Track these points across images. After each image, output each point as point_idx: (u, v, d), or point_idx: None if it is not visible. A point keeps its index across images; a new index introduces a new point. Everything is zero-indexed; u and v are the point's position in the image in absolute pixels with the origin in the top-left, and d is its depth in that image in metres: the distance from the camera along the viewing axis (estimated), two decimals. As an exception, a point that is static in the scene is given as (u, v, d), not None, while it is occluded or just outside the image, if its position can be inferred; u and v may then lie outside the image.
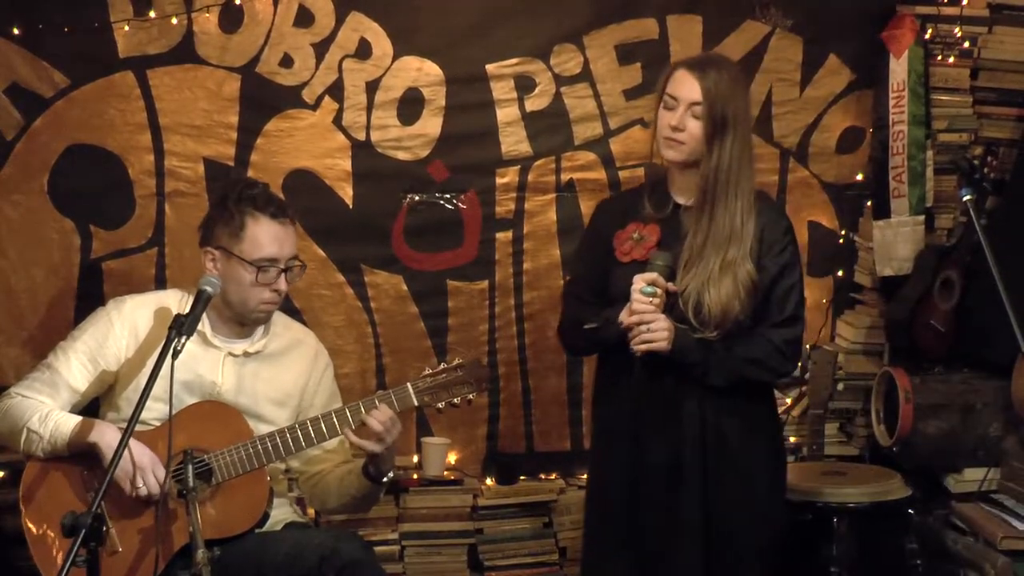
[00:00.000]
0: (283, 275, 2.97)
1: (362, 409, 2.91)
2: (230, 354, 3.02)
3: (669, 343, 2.82)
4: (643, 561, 2.95)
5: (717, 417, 2.91)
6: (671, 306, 2.87)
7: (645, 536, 2.94)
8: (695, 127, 2.84)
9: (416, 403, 2.94)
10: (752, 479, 2.96)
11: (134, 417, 2.55)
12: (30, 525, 2.85)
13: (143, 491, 2.81)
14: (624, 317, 2.85)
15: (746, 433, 2.95)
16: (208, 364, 3.00)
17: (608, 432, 3.05)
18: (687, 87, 2.85)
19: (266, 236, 2.95)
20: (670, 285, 2.85)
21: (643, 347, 2.82)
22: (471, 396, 2.97)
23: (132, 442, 2.75)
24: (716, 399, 2.90)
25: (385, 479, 3.02)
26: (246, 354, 3.04)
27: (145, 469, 2.81)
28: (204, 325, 2.99)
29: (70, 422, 2.87)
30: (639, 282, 2.83)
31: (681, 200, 2.95)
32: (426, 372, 2.97)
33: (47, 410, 2.89)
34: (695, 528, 2.91)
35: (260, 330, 3.09)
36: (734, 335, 2.87)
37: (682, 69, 2.88)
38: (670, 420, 2.91)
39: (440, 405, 2.96)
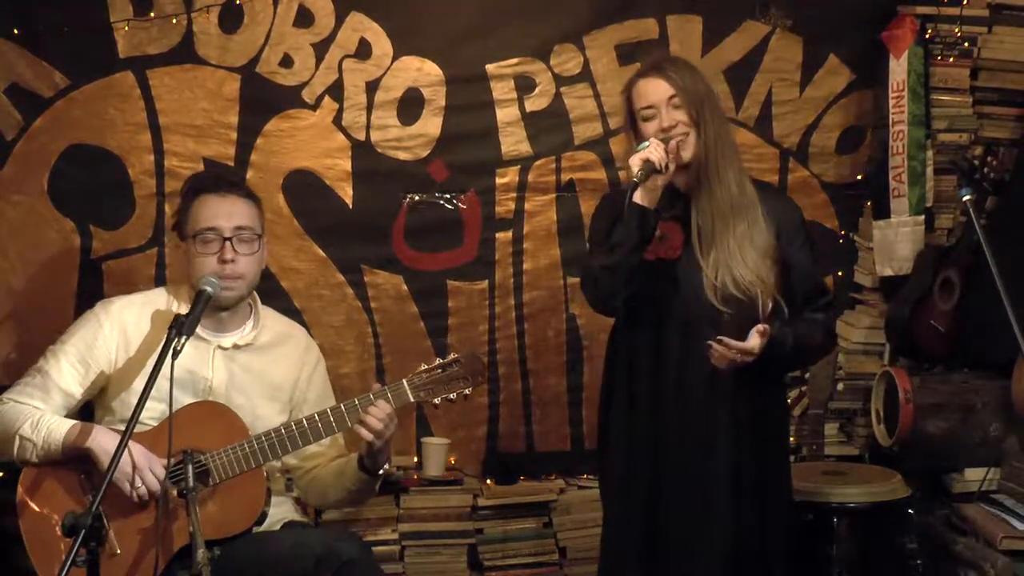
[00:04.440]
0: (227, 243, 2.95)
1: (358, 406, 2.91)
2: (219, 347, 3.02)
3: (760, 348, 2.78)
4: (665, 559, 2.94)
5: (745, 415, 2.92)
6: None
7: (668, 535, 2.94)
8: (683, 116, 2.86)
9: (412, 399, 2.93)
10: (773, 479, 2.98)
11: (134, 417, 2.54)
12: (28, 528, 2.83)
13: (143, 491, 2.80)
14: (632, 160, 2.79)
15: (766, 434, 2.96)
16: (198, 359, 2.98)
17: (629, 430, 3.01)
18: (655, 89, 2.87)
19: (205, 208, 2.98)
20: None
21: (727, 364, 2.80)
22: (467, 391, 2.96)
23: (130, 443, 2.73)
24: (745, 401, 2.90)
25: (381, 471, 3.02)
26: (235, 347, 3.04)
27: (143, 468, 2.80)
28: None
29: (62, 427, 2.84)
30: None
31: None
32: (422, 368, 2.96)
33: (39, 416, 2.87)
34: (724, 527, 2.91)
35: (249, 323, 3.09)
36: (789, 320, 2.88)
37: (638, 81, 2.90)
38: (698, 419, 2.91)
39: (436, 400, 2.95)
